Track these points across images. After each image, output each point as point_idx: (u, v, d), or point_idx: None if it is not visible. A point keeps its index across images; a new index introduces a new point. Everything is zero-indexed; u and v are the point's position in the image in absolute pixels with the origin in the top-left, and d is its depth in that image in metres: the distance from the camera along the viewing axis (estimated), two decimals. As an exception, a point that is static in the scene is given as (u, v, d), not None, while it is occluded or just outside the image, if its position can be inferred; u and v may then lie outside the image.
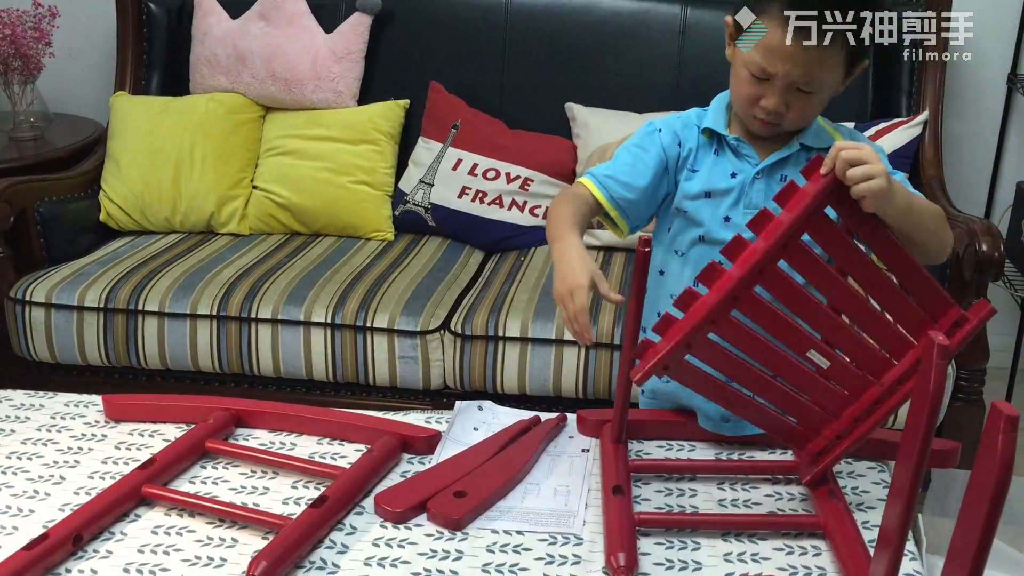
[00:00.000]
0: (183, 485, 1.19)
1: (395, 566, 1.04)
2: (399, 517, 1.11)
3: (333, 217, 2.49)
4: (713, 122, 1.30)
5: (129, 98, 2.64)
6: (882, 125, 2.37)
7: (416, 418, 1.33)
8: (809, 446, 1.12)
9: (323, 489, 1.14)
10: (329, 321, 2.11)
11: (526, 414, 1.35)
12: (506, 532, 1.10)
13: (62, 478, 1.20)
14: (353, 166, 2.49)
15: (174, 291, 2.17)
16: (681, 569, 1.04)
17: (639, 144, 1.32)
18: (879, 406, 1.06)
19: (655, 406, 1.39)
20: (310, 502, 1.11)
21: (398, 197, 2.53)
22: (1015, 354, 2.59)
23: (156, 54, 2.74)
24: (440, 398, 2.16)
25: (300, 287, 2.19)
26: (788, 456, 1.25)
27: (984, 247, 1.94)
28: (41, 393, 1.42)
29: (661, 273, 1.35)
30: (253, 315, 2.13)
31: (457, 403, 1.38)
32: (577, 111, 2.50)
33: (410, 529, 1.10)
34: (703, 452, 1.27)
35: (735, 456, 1.27)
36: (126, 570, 1.03)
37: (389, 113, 2.55)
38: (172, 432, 1.31)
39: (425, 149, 2.54)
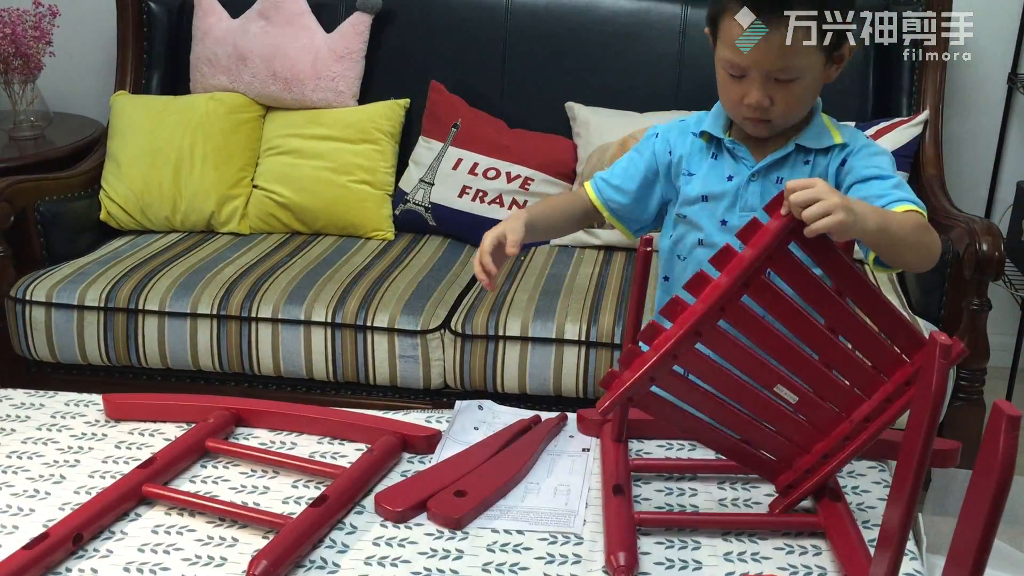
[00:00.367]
0: (183, 484, 1.19)
1: (395, 565, 1.04)
2: (399, 516, 1.11)
3: (333, 216, 2.49)
4: (711, 126, 1.30)
5: (129, 97, 2.64)
6: (882, 125, 2.37)
7: (416, 417, 1.33)
8: (780, 478, 1.12)
9: (323, 488, 1.14)
10: (329, 320, 2.11)
11: (526, 413, 1.35)
12: (506, 531, 1.10)
13: (62, 477, 1.20)
14: (353, 165, 2.49)
15: (174, 290, 2.17)
16: (681, 568, 1.04)
17: (637, 148, 1.37)
18: (848, 442, 1.06)
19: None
20: (310, 501, 1.11)
21: (398, 196, 2.53)
22: (1015, 354, 2.59)
23: (156, 53, 2.74)
24: (440, 397, 2.16)
25: (300, 286, 2.19)
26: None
27: (984, 247, 1.94)
28: (41, 392, 1.42)
29: (666, 279, 1.36)
30: (253, 314, 2.13)
31: (457, 402, 1.38)
32: (578, 110, 2.50)
33: (410, 528, 1.10)
34: (703, 451, 1.27)
35: (735, 456, 1.26)
36: (126, 569, 1.03)
37: (389, 112, 2.55)
38: (172, 431, 1.31)
39: (425, 148, 2.54)
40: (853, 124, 2.29)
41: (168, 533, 1.09)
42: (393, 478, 1.20)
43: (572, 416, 1.33)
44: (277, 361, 2.15)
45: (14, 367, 2.28)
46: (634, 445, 1.28)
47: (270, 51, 2.54)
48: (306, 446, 1.29)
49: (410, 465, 1.24)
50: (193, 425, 1.30)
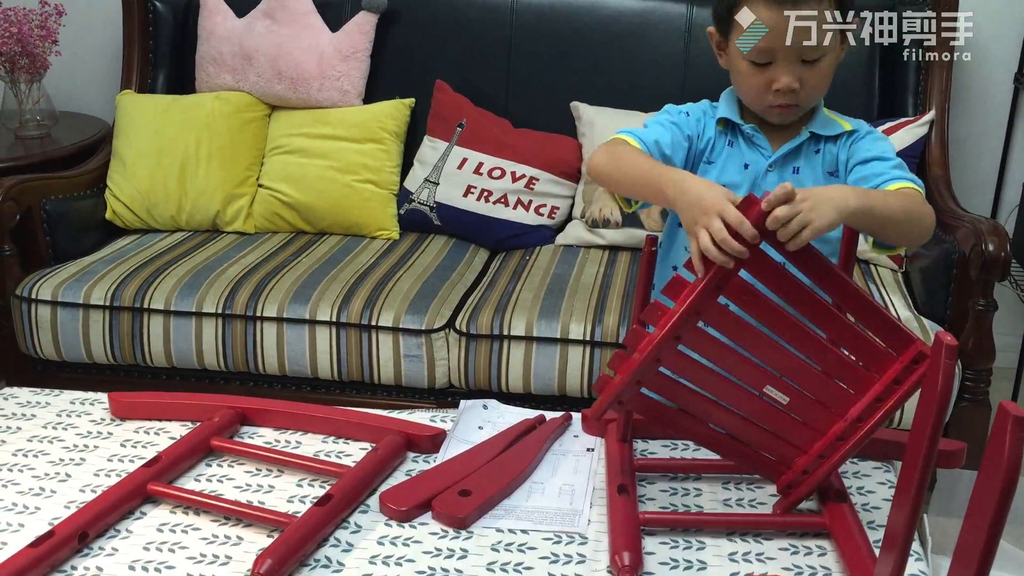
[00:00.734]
0: (188, 483, 1.20)
1: (400, 564, 1.04)
2: (404, 515, 1.11)
3: (338, 216, 2.50)
4: (728, 112, 1.31)
5: (135, 96, 2.64)
6: (889, 124, 2.36)
7: (421, 417, 1.33)
8: (780, 478, 1.11)
9: (328, 487, 1.14)
10: (334, 320, 2.11)
11: (531, 413, 1.35)
12: (511, 531, 1.10)
13: (68, 475, 1.20)
14: (359, 165, 2.49)
15: (180, 289, 2.18)
16: (686, 568, 1.04)
17: (675, 121, 1.30)
18: (842, 442, 1.06)
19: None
20: (315, 500, 1.11)
21: (403, 196, 2.53)
22: (1021, 354, 2.59)
23: (162, 53, 2.74)
24: (445, 397, 2.16)
25: (305, 285, 2.19)
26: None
27: (990, 247, 1.93)
28: (47, 391, 1.42)
29: (674, 268, 1.35)
30: (258, 313, 2.13)
31: (462, 402, 1.38)
32: (583, 110, 2.49)
33: (415, 527, 1.10)
34: (708, 452, 1.26)
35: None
36: (132, 567, 1.03)
37: (395, 112, 2.55)
38: (177, 430, 1.31)
39: (430, 148, 2.54)
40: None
41: (173, 532, 1.10)
42: (398, 477, 1.21)
43: (577, 416, 1.33)
44: (282, 360, 2.16)
45: (20, 365, 2.28)
46: (639, 445, 1.28)
47: (275, 50, 2.54)
48: (311, 445, 1.29)
49: (415, 464, 1.24)
50: (198, 424, 1.30)
